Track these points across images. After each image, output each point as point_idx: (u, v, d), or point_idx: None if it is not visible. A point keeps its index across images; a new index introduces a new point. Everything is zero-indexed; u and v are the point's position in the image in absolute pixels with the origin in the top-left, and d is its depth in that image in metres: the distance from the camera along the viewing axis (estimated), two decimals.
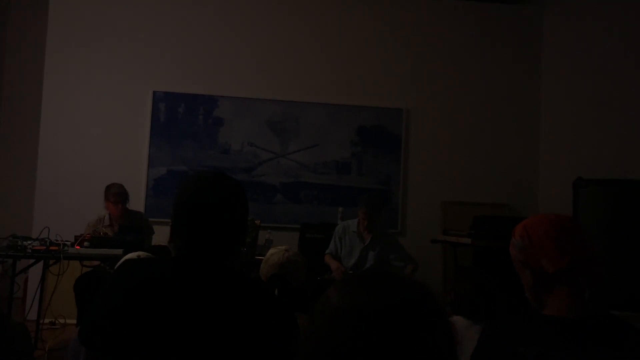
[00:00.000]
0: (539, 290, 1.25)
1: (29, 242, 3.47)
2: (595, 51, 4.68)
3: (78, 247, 3.55)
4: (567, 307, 1.20)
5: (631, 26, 4.25)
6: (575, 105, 4.94)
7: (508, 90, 5.53)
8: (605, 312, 1.20)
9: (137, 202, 4.74)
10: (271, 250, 2.36)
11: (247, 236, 1.38)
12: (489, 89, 5.51)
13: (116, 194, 4.06)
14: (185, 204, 1.28)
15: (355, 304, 0.74)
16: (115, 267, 1.67)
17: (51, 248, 3.46)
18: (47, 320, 4.22)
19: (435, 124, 5.43)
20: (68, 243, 3.56)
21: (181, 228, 1.28)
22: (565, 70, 5.16)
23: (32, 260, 3.67)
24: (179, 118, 5.15)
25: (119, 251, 3.46)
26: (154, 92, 5.11)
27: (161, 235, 4.33)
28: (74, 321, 4.04)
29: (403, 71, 5.43)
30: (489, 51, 5.53)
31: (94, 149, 5.02)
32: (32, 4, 5.73)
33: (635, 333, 1.16)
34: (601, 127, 4.52)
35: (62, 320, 4.42)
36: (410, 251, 4.33)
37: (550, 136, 5.35)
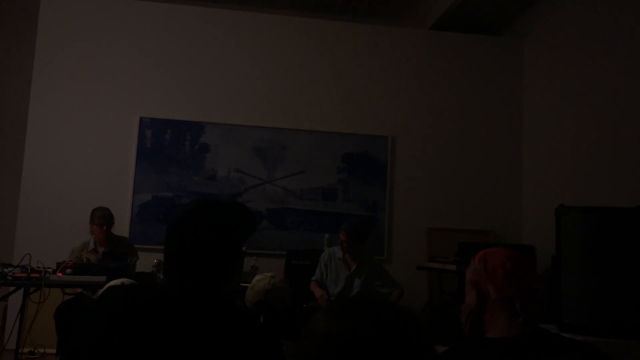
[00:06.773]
0: (480, 312, 1.39)
1: (10, 269, 3.40)
2: (575, 80, 4.81)
3: (60, 274, 3.49)
4: (505, 328, 1.34)
5: (610, 54, 4.39)
6: (557, 134, 5.05)
7: (491, 118, 5.64)
8: (537, 328, 1.33)
9: (121, 228, 4.69)
10: (257, 277, 2.36)
11: (238, 265, 1.38)
12: (472, 118, 5.61)
13: (101, 217, 4.04)
14: (168, 232, 1.32)
15: (343, 329, 0.75)
16: (98, 294, 1.66)
17: (32, 275, 3.39)
18: (26, 350, 4.12)
19: (420, 152, 5.50)
20: (50, 270, 3.49)
21: (166, 255, 1.31)
22: (546, 99, 5.28)
23: (12, 288, 3.59)
24: (165, 144, 5.15)
25: (102, 278, 3.41)
26: (141, 118, 5.11)
27: (145, 261, 4.29)
28: (54, 351, 3.94)
29: (388, 99, 5.51)
30: (472, 81, 5.65)
31: (79, 175, 4.98)
32: (18, 28, 5.74)
33: (568, 342, 1.29)
34: (583, 155, 4.61)
35: (41, 350, 4.31)
36: (396, 278, 4.32)
37: (533, 164, 5.45)
